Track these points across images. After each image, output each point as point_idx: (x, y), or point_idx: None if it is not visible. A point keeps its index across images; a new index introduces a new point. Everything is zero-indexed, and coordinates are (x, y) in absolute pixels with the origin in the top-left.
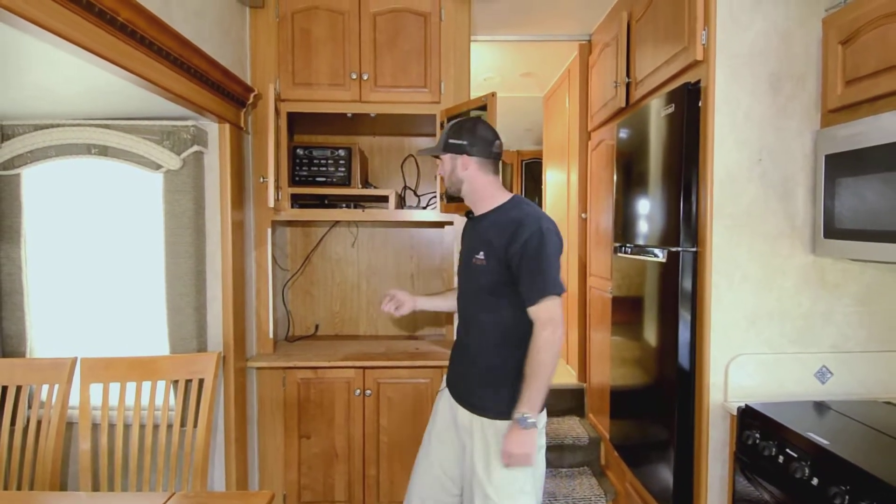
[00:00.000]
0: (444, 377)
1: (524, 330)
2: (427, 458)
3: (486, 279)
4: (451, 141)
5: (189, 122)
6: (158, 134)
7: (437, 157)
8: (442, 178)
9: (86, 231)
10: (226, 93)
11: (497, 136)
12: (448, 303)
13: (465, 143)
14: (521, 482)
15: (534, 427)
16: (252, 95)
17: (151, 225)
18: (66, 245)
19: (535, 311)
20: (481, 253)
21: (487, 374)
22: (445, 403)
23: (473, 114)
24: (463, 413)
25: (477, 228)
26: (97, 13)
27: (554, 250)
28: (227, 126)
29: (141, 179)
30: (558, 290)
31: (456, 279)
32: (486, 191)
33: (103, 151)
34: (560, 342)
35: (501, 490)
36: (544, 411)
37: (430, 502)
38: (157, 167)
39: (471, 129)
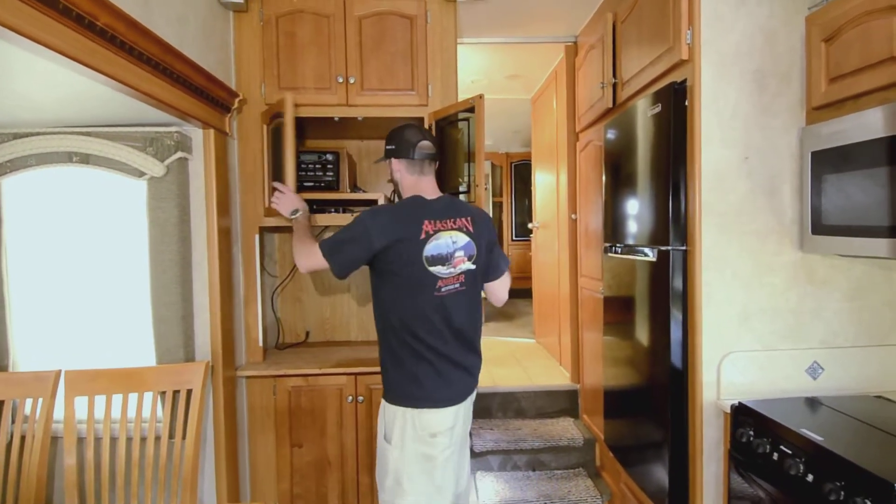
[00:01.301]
0: None
1: (386, 318)
2: None
3: None
4: (386, 147)
5: (172, 129)
6: (141, 141)
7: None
8: None
9: (68, 241)
10: (210, 98)
11: (423, 139)
12: None
13: (393, 147)
14: (390, 477)
15: (290, 215)
16: (237, 100)
17: (135, 233)
18: (49, 255)
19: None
20: None
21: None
22: None
23: (462, 116)
24: None
25: None
26: (75, 18)
27: (349, 228)
28: (212, 132)
29: (124, 187)
30: (326, 249)
31: None
32: (409, 191)
33: (85, 159)
34: (298, 261)
35: (378, 473)
36: (433, 419)
37: None
38: (141, 174)
39: (398, 134)
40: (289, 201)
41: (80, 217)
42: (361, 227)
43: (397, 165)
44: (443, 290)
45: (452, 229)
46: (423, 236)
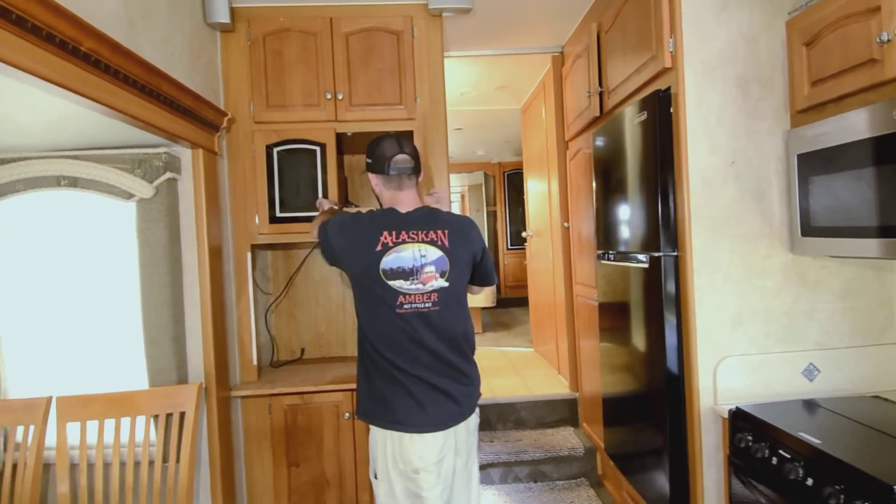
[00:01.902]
0: None
1: (360, 331)
2: None
3: None
4: (366, 160)
5: (161, 150)
6: (129, 162)
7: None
8: None
9: (58, 265)
10: (198, 118)
11: (399, 152)
12: None
13: (370, 161)
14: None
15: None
16: (226, 119)
17: (126, 255)
18: (39, 280)
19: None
20: None
21: None
22: None
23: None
24: None
25: None
26: (58, 44)
27: (330, 222)
28: (201, 151)
29: (113, 209)
30: (319, 229)
31: None
32: (387, 205)
33: (73, 182)
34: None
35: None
36: (413, 451)
37: None
38: (130, 196)
39: (374, 148)
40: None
41: (69, 240)
42: (326, 229)
43: (375, 180)
44: (405, 307)
45: (423, 242)
46: (379, 248)
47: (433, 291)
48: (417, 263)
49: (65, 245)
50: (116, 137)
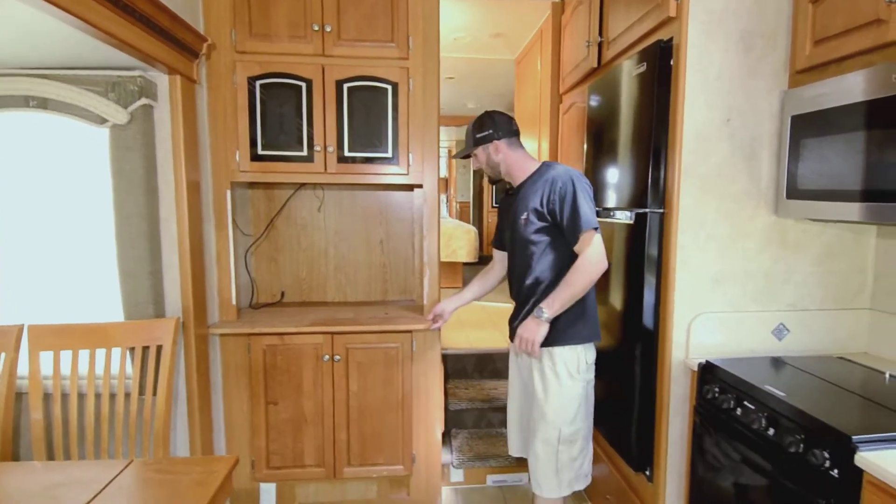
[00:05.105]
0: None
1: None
2: (511, 403)
3: (532, 233)
4: (478, 136)
5: (136, 73)
6: (102, 85)
7: (468, 156)
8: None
9: (29, 191)
10: (175, 40)
11: (512, 117)
12: (488, 283)
13: (490, 131)
14: (576, 408)
15: (546, 322)
16: (205, 45)
17: (100, 184)
18: (8, 206)
19: (579, 247)
20: (525, 213)
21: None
22: (511, 355)
23: None
24: (523, 355)
25: (518, 197)
26: None
27: (584, 192)
28: (179, 78)
29: (87, 135)
30: (594, 225)
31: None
32: (520, 163)
33: (43, 104)
34: (597, 270)
35: (560, 414)
36: (593, 348)
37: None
38: (103, 121)
39: (490, 118)
40: (535, 329)
41: (41, 166)
42: (586, 184)
43: (498, 146)
44: None
45: None
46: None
47: None
48: None
49: (36, 170)
50: (89, 57)
